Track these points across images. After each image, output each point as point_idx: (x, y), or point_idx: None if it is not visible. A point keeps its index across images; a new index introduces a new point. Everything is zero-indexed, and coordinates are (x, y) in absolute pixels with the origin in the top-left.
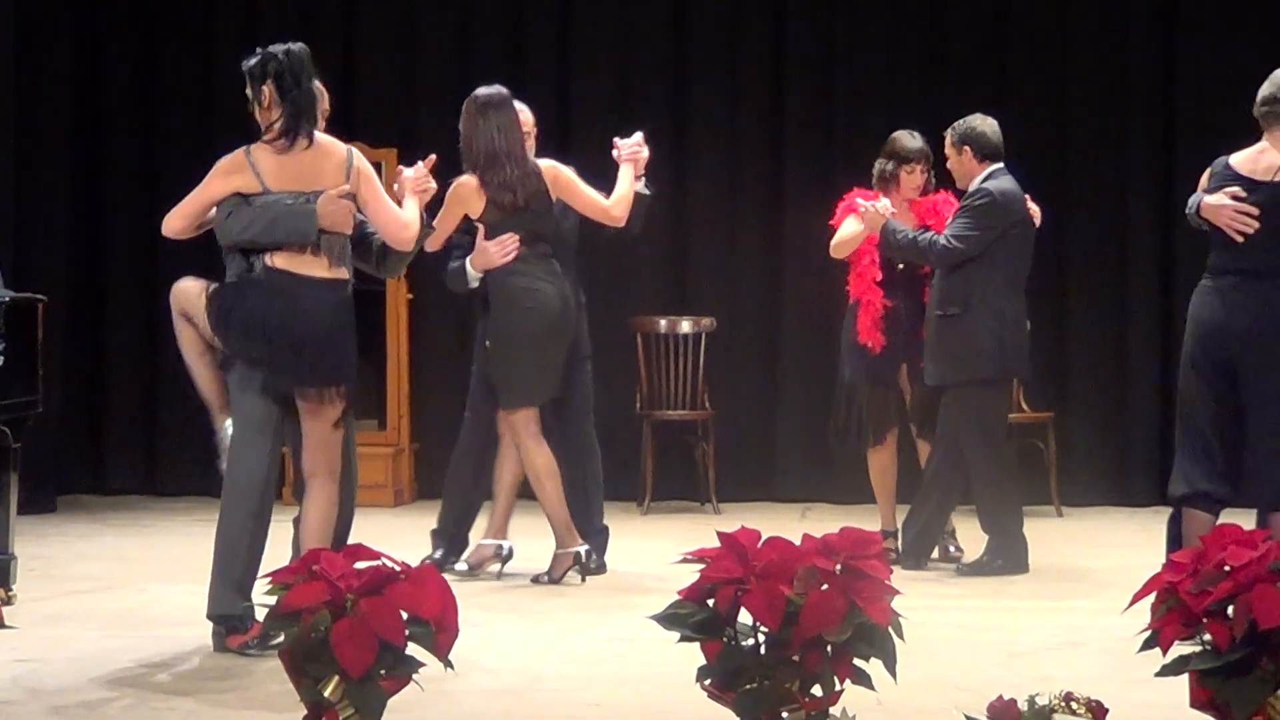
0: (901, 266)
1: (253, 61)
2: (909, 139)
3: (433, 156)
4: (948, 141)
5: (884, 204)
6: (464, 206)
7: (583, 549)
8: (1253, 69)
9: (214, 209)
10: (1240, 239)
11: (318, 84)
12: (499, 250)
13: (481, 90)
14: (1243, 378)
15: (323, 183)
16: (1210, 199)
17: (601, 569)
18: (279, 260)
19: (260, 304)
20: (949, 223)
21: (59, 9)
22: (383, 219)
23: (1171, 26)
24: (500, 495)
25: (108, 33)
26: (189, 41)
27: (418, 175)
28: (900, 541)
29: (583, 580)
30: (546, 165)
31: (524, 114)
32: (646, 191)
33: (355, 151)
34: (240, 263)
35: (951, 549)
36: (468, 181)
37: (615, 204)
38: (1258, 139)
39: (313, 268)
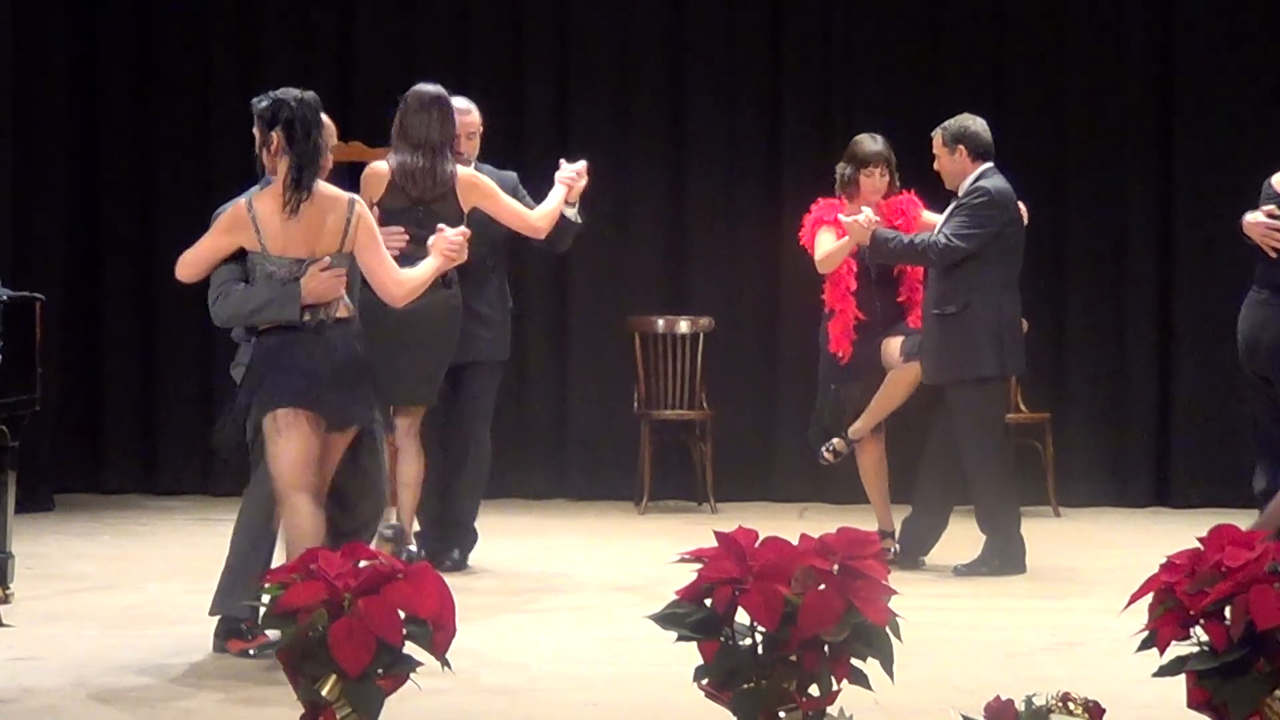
0: (876, 271)
1: (264, 104)
2: (869, 142)
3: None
4: (938, 141)
5: (867, 213)
6: (368, 189)
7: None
8: (1250, 69)
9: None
10: (1274, 254)
11: (327, 124)
12: (388, 239)
13: (422, 85)
14: (1275, 385)
15: (322, 242)
16: (1249, 217)
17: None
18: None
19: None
20: (945, 221)
21: (56, 9)
22: (378, 277)
23: (1169, 26)
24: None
25: (105, 32)
26: (186, 41)
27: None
28: (898, 541)
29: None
30: (466, 174)
31: (471, 115)
32: (578, 220)
33: (357, 202)
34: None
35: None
36: (377, 166)
37: (539, 217)
38: (1253, 139)
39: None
